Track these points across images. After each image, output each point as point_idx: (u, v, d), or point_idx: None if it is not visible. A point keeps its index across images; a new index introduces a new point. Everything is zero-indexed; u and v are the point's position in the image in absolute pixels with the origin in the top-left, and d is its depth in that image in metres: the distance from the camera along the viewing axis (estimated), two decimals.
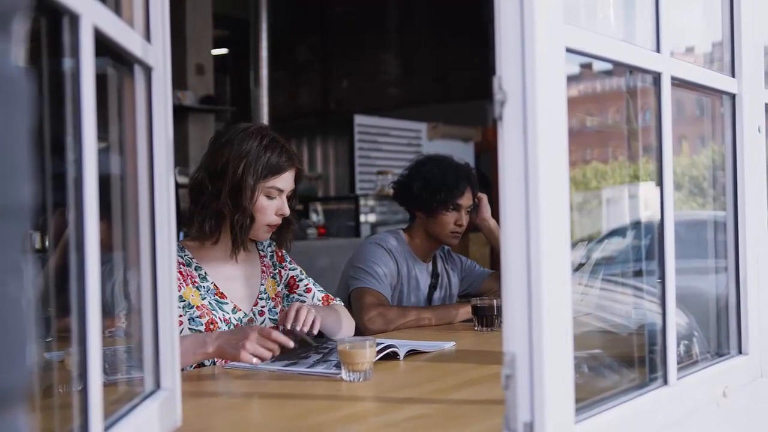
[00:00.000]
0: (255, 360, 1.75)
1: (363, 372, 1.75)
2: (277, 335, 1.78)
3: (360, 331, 2.58)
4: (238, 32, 7.97)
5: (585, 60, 1.30)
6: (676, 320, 1.46)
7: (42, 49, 0.92)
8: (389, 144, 7.76)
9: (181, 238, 2.23)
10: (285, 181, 2.13)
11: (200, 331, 2.04)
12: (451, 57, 9.07)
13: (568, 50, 1.16)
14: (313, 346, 1.83)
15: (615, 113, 1.89)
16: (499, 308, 2.49)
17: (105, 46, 1.05)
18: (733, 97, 1.73)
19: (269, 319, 2.21)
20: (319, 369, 1.84)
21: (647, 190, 1.65)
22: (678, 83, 1.50)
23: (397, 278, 2.78)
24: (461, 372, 1.93)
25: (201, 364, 1.97)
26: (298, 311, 2.04)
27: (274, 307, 2.25)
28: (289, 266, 2.34)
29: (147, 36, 1.26)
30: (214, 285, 2.13)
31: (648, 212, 1.71)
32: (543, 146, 1.08)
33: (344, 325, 2.24)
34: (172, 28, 1.33)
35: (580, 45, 1.21)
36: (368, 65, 9.67)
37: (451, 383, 1.81)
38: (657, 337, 1.46)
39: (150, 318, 1.28)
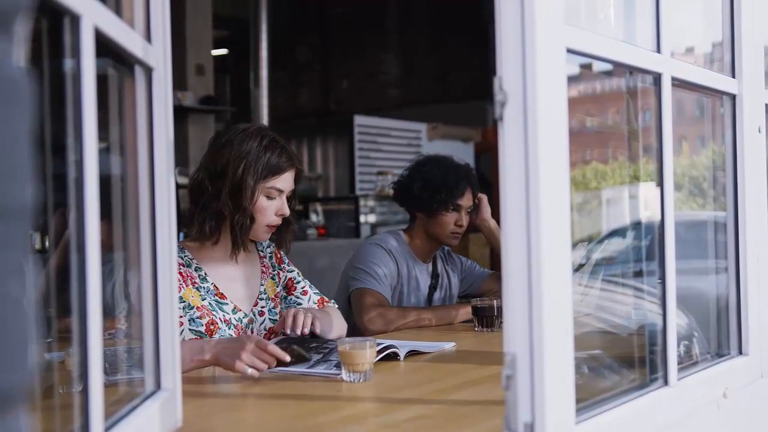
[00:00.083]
0: (250, 371, 1.74)
1: (363, 372, 1.75)
2: (274, 348, 1.76)
3: (360, 331, 2.58)
4: (238, 32, 7.97)
5: (585, 60, 1.30)
6: (677, 321, 1.46)
7: (43, 49, 0.92)
8: (389, 144, 7.76)
9: (180, 238, 2.22)
10: (285, 181, 2.13)
11: (200, 332, 2.04)
12: (451, 57, 9.07)
13: (569, 51, 1.16)
14: (309, 360, 1.83)
15: (615, 114, 1.89)
16: (499, 309, 2.49)
17: (106, 47, 1.05)
18: (733, 97, 1.73)
19: (269, 319, 2.21)
20: (320, 369, 1.84)
21: (647, 190, 1.65)
22: (678, 84, 1.50)
23: (397, 279, 2.78)
24: (461, 372, 1.93)
25: None
26: (295, 316, 2.04)
27: (274, 308, 2.25)
28: (287, 268, 2.34)
29: (147, 36, 1.26)
30: (214, 285, 2.13)
31: (648, 213, 1.71)
32: (543, 147, 1.08)
33: (335, 327, 2.23)
34: (172, 28, 1.33)
35: (580, 45, 1.21)
36: (368, 65, 9.67)
37: (451, 384, 1.81)
38: (657, 337, 1.46)
39: (150, 318, 1.28)
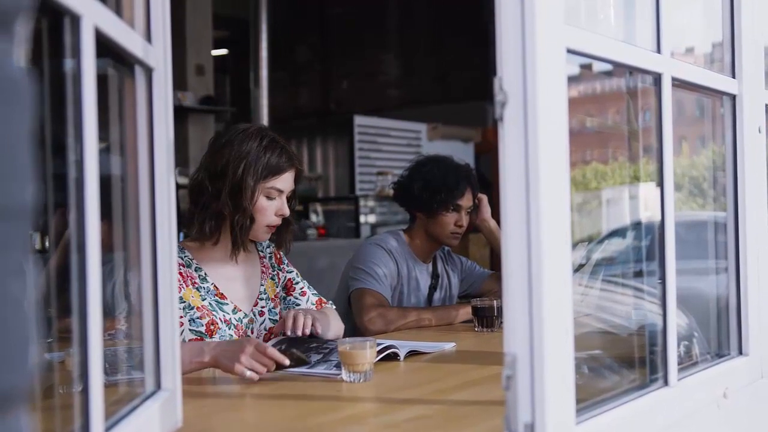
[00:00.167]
0: (249, 373, 1.73)
1: (363, 373, 1.74)
2: (273, 352, 1.76)
3: (360, 331, 2.58)
4: (238, 33, 7.97)
5: (585, 60, 1.30)
6: (677, 321, 1.46)
7: (43, 49, 0.92)
8: (389, 144, 7.75)
9: (180, 238, 2.22)
10: (285, 181, 2.13)
11: (201, 332, 2.04)
12: (451, 57, 9.07)
13: (569, 51, 1.16)
14: (309, 363, 1.82)
15: (615, 114, 1.89)
16: (500, 309, 2.49)
17: (106, 47, 1.05)
18: (733, 97, 1.73)
19: (269, 319, 2.21)
20: (320, 369, 1.84)
21: (647, 190, 1.65)
22: (678, 84, 1.50)
23: (397, 279, 2.78)
24: (462, 373, 1.93)
25: None
26: (295, 318, 2.04)
27: (274, 308, 2.25)
28: (286, 268, 2.34)
29: (148, 37, 1.26)
30: (214, 286, 2.13)
31: (648, 213, 1.71)
32: (544, 147, 1.08)
33: (333, 328, 2.23)
34: (172, 28, 1.33)
35: (580, 46, 1.21)
36: (368, 65, 9.67)
37: (451, 384, 1.81)
38: (657, 337, 1.46)
39: (151, 319, 1.28)
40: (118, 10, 1.15)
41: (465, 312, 2.66)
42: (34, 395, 0.61)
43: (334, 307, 2.39)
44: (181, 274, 2.06)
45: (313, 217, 7.04)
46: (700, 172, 1.95)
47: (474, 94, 8.18)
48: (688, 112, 1.92)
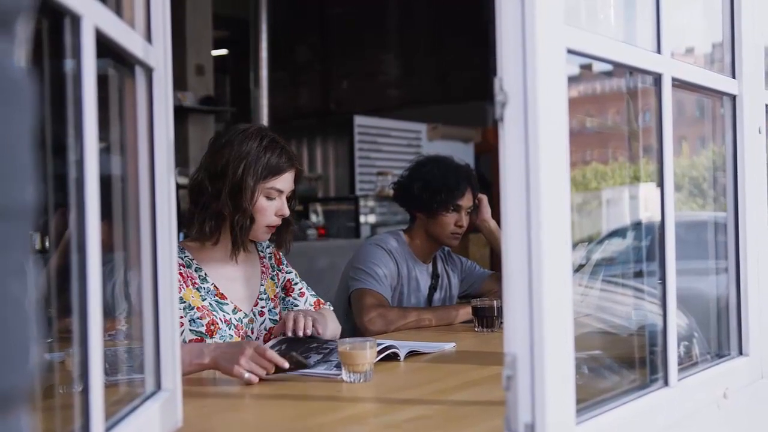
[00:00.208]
0: (247, 376, 1.73)
1: (363, 373, 1.75)
2: (273, 355, 1.76)
3: (360, 332, 2.58)
4: (238, 33, 7.97)
5: (584, 61, 1.30)
6: (677, 321, 1.46)
7: (43, 50, 0.92)
8: (389, 145, 7.75)
9: (180, 238, 2.22)
10: (285, 181, 2.13)
11: (201, 332, 2.05)
12: (451, 57, 9.07)
13: (569, 51, 1.16)
14: (309, 366, 1.82)
15: (615, 114, 1.89)
16: (500, 309, 2.49)
17: (106, 47, 1.05)
18: (733, 98, 1.73)
19: (269, 319, 2.21)
20: (320, 370, 1.84)
21: (647, 191, 1.65)
22: (679, 84, 1.50)
23: (397, 279, 2.78)
24: (462, 373, 1.93)
25: None
26: (296, 319, 2.04)
27: (274, 308, 2.25)
28: (285, 269, 2.34)
29: (148, 37, 1.26)
30: (215, 286, 2.13)
31: (648, 213, 1.71)
32: (544, 147, 1.08)
33: (330, 329, 2.23)
34: (172, 28, 1.33)
35: (581, 46, 1.21)
36: (368, 66, 9.67)
37: (451, 384, 1.81)
38: (657, 338, 1.46)
39: (151, 319, 1.28)
40: (118, 11, 1.15)
41: (465, 312, 2.66)
42: (35, 395, 0.61)
43: (332, 308, 2.39)
44: (181, 274, 2.06)
45: (313, 218, 7.04)
46: (699, 172, 1.95)
47: (474, 94, 8.18)
48: (688, 113, 1.92)
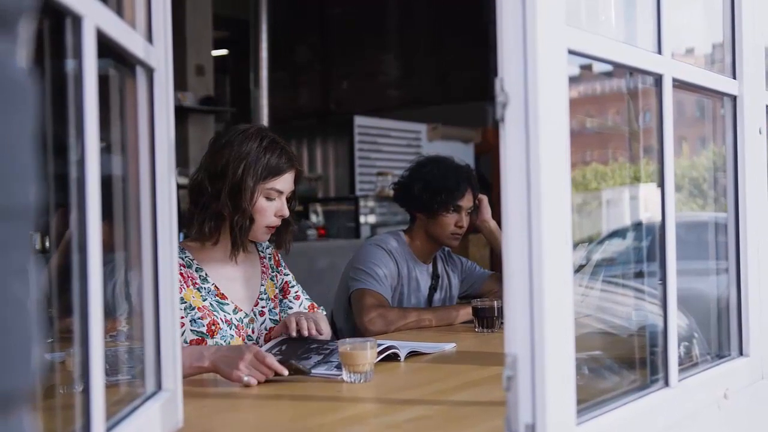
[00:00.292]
0: (246, 379, 1.73)
1: (364, 373, 1.75)
2: (272, 361, 1.75)
3: (360, 332, 2.58)
4: (238, 33, 7.97)
5: (584, 61, 1.30)
6: (677, 322, 1.46)
7: (45, 50, 0.92)
8: (389, 145, 7.75)
9: (180, 239, 2.22)
10: (285, 182, 2.13)
11: (202, 332, 2.05)
12: (451, 57, 9.07)
13: (570, 52, 1.16)
14: (307, 373, 1.81)
15: (615, 114, 1.89)
16: (500, 309, 2.49)
17: (107, 48, 1.05)
18: (734, 98, 1.73)
19: (269, 319, 2.21)
20: (320, 370, 1.84)
21: (647, 191, 1.66)
22: (679, 85, 1.50)
23: (398, 279, 2.78)
24: (462, 373, 1.93)
25: None
26: (298, 321, 2.04)
27: (274, 308, 2.25)
28: (283, 271, 2.34)
29: (149, 37, 1.26)
30: (215, 286, 2.13)
31: (648, 214, 1.71)
32: (545, 148, 1.08)
33: (324, 332, 2.23)
34: (172, 29, 1.33)
35: (581, 47, 1.21)
36: (368, 66, 9.67)
37: (452, 384, 1.81)
38: (658, 338, 1.46)
39: (151, 319, 1.28)
40: (119, 11, 1.15)
41: (465, 312, 2.66)
42: (37, 396, 0.61)
43: (324, 312, 2.39)
44: (181, 274, 2.06)
45: (313, 218, 7.03)
46: (700, 173, 1.95)
47: (474, 95, 8.18)
48: (688, 113, 1.92)
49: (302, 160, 7.74)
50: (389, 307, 2.67)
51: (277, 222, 2.15)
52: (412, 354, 2.07)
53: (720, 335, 1.77)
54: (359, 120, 7.64)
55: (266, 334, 2.18)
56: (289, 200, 2.17)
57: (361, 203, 7.14)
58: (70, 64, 0.94)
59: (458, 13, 8.61)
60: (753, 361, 1.72)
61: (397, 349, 2.01)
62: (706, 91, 1.69)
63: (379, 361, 1.91)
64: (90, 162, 0.94)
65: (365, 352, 1.74)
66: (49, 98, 0.91)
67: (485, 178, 6.75)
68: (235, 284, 2.18)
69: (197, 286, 2.10)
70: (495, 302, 2.51)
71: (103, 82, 1.03)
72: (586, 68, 1.39)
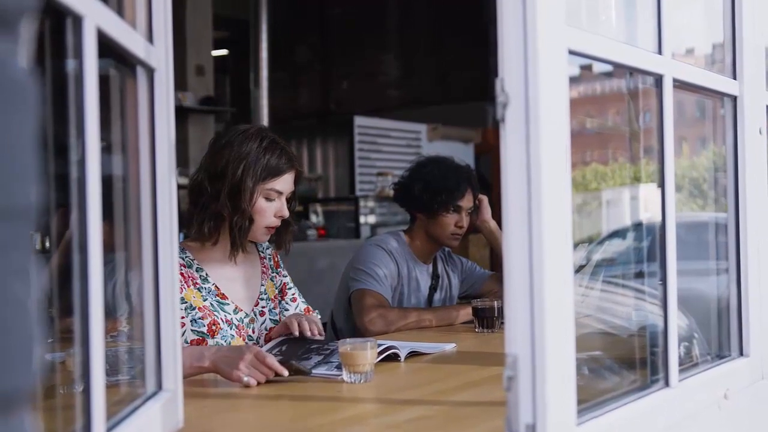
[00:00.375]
0: (246, 379, 1.73)
1: (364, 373, 1.75)
2: (273, 361, 1.75)
3: (361, 332, 2.58)
4: (238, 33, 7.97)
5: (584, 61, 1.30)
6: (677, 322, 1.46)
7: (45, 50, 0.92)
8: (389, 145, 7.75)
9: (180, 239, 2.22)
10: (284, 183, 2.13)
11: (202, 332, 2.05)
12: (451, 57, 9.07)
13: (571, 52, 1.16)
14: (308, 373, 1.81)
15: (615, 115, 1.89)
16: (500, 310, 2.49)
17: (108, 48, 1.05)
18: (734, 99, 1.73)
19: (270, 319, 2.21)
20: (321, 370, 1.84)
21: (647, 191, 1.66)
22: (679, 85, 1.50)
23: (398, 280, 2.78)
24: (462, 373, 1.93)
25: None
26: (299, 323, 2.04)
27: (274, 308, 2.25)
28: (282, 272, 2.34)
29: (149, 37, 1.26)
30: (216, 286, 2.13)
31: (648, 214, 1.71)
32: (545, 148, 1.08)
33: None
34: (173, 29, 1.33)
35: (582, 47, 1.21)
36: (368, 66, 9.67)
37: (452, 385, 1.81)
38: (658, 338, 1.46)
39: (152, 319, 1.28)
40: (119, 11, 1.15)
41: (465, 313, 2.66)
42: (37, 396, 0.61)
43: (319, 316, 2.40)
44: (182, 274, 2.06)
45: (313, 218, 7.03)
46: (700, 173, 1.95)
47: (474, 95, 8.18)
48: (688, 113, 1.92)
49: (302, 161, 7.74)
50: (389, 307, 2.67)
51: (276, 222, 2.15)
52: (413, 354, 2.07)
53: (720, 335, 1.77)
54: (359, 120, 7.64)
55: (266, 334, 2.18)
56: (289, 201, 2.17)
57: (361, 203, 7.14)
58: (70, 64, 0.94)
59: (458, 13, 8.61)
60: (753, 361, 1.72)
61: (398, 349, 2.01)
62: (706, 91, 1.69)
63: (380, 361, 1.91)
64: (91, 162, 0.94)
65: (365, 353, 1.74)
66: (50, 98, 0.91)
67: (485, 178, 6.75)
68: (236, 284, 2.18)
69: (198, 286, 2.10)
70: (495, 302, 2.51)
71: (104, 82, 1.03)
72: (586, 68, 1.39)
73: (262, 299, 2.22)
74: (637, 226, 1.84)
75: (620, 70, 1.52)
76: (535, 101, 1.08)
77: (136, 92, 1.25)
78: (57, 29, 0.91)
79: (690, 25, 1.90)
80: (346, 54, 9.85)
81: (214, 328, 2.06)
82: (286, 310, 2.29)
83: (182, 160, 6.62)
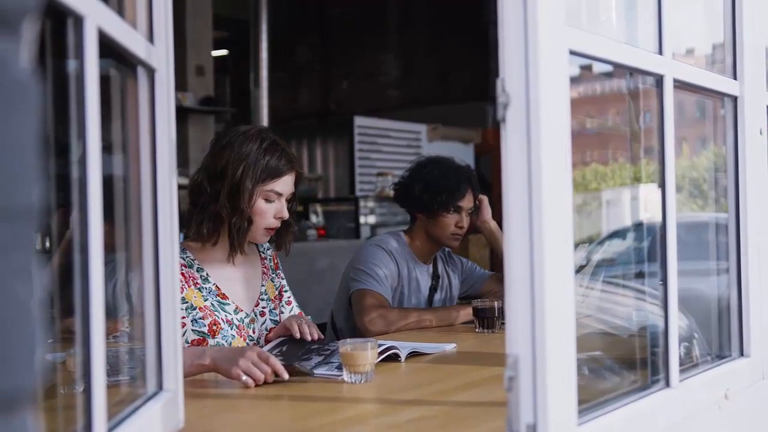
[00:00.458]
0: (245, 378, 1.73)
1: (365, 374, 1.75)
2: (275, 362, 1.75)
3: (361, 332, 2.58)
4: (238, 33, 7.97)
5: (584, 61, 1.30)
6: (677, 322, 1.46)
7: (46, 50, 0.92)
8: (389, 145, 7.75)
9: (180, 239, 2.22)
10: (284, 184, 2.13)
11: (203, 332, 2.05)
12: (451, 58, 9.07)
13: (571, 52, 1.16)
14: (310, 373, 1.81)
15: (615, 115, 1.89)
16: (500, 310, 2.49)
17: (109, 48, 1.05)
18: (734, 99, 1.73)
19: (270, 320, 2.21)
20: (321, 371, 1.84)
21: (647, 191, 1.66)
22: (680, 85, 1.50)
23: (398, 280, 2.78)
24: (463, 374, 1.93)
25: None
26: (299, 326, 2.04)
27: (274, 309, 2.25)
28: (281, 275, 2.34)
29: (150, 37, 1.27)
30: (216, 286, 2.13)
31: (648, 214, 1.71)
32: (546, 148, 1.08)
33: None
34: (173, 29, 1.33)
35: (582, 47, 1.21)
36: (368, 66, 9.67)
37: (452, 385, 1.81)
38: (659, 339, 1.46)
39: (152, 319, 1.28)
40: (120, 11, 1.15)
41: (466, 313, 2.66)
42: (39, 396, 0.61)
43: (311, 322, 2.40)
44: (183, 274, 2.06)
45: (313, 218, 7.03)
46: (700, 173, 1.95)
47: (474, 95, 8.18)
48: (688, 113, 1.92)
49: (302, 161, 7.76)
50: (390, 307, 2.67)
51: (276, 224, 2.14)
52: (413, 354, 2.07)
53: (721, 336, 1.77)
54: (359, 120, 7.64)
55: (267, 334, 2.18)
56: (289, 202, 2.17)
57: (361, 204, 7.14)
58: (71, 64, 0.94)
59: (458, 13, 8.61)
60: (754, 361, 1.72)
61: (398, 349, 2.01)
62: (706, 91, 1.69)
63: (380, 361, 1.91)
64: (91, 162, 0.94)
65: (366, 353, 1.74)
66: (51, 98, 0.91)
67: (485, 178, 6.75)
68: (236, 284, 2.18)
69: (198, 286, 2.10)
70: (495, 303, 2.51)
71: (105, 82, 1.03)
72: (586, 68, 1.39)
73: (262, 299, 2.22)
74: (638, 226, 1.84)
75: (620, 70, 1.52)
76: (535, 101, 1.08)
77: (137, 92, 1.25)
78: (58, 29, 0.91)
79: (690, 25, 1.90)
80: (346, 54, 9.85)
81: (214, 328, 2.06)
82: (282, 312, 2.29)
83: (182, 161, 6.62)
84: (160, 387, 1.29)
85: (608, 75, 1.64)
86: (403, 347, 2.06)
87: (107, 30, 1.01)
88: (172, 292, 1.30)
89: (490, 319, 2.51)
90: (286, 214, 2.15)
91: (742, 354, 1.72)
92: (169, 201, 1.30)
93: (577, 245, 1.26)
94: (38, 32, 0.67)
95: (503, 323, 2.39)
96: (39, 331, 0.59)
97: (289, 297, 2.34)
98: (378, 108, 8.70)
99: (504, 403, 1.11)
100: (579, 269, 1.72)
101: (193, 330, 2.04)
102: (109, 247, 1.12)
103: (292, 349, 2.00)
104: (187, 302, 2.05)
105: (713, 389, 1.59)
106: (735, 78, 1.73)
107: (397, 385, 1.81)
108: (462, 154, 6.86)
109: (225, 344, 2.06)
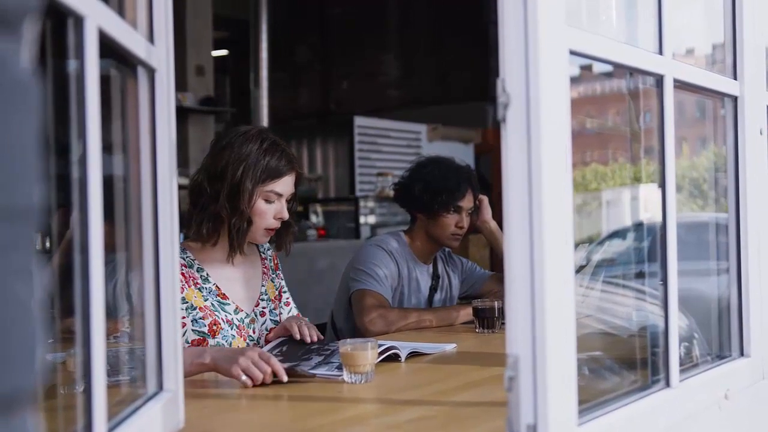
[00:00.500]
0: (244, 377, 1.73)
1: (365, 374, 1.75)
2: (275, 362, 1.76)
3: (361, 332, 2.58)
4: (238, 33, 7.97)
5: (585, 61, 1.30)
6: (678, 322, 1.46)
7: (47, 50, 0.92)
8: (389, 145, 7.75)
9: (180, 239, 2.22)
10: (284, 185, 2.13)
11: (203, 332, 2.05)
12: (451, 58, 9.07)
13: (572, 52, 1.16)
14: (309, 376, 1.81)
15: (615, 115, 1.89)
16: (500, 310, 2.49)
17: (109, 48, 1.05)
18: (735, 99, 1.73)
19: (270, 320, 2.21)
20: (321, 371, 1.84)
21: (647, 191, 1.66)
22: (680, 85, 1.50)
23: (398, 280, 2.78)
24: (463, 374, 1.93)
25: None
26: (299, 327, 2.03)
27: (274, 309, 2.25)
28: (280, 275, 2.34)
29: (150, 37, 1.27)
30: (216, 286, 2.13)
31: (648, 214, 1.71)
32: (546, 148, 1.08)
33: None
34: (173, 29, 1.33)
35: (583, 47, 1.21)
36: (368, 66, 9.67)
37: (453, 385, 1.81)
38: (659, 339, 1.46)
39: (153, 320, 1.28)
40: (120, 11, 1.15)
41: (466, 313, 2.66)
42: (39, 397, 0.62)
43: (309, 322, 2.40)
44: (183, 274, 2.06)
45: (313, 218, 7.03)
46: (700, 173, 1.95)
47: (474, 95, 8.18)
48: (688, 114, 1.92)
49: (302, 161, 7.76)
50: (390, 307, 2.67)
51: (276, 224, 2.14)
52: (413, 354, 2.07)
53: (721, 336, 1.77)
54: (359, 120, 7.64)
55: (267, 334, 2.18)
56: (289, 202, 2.17)
57: (361, 204, 7.14)
58: (72, 64, 0.94)
59: (458, 13, 8.61)
60: (754, 361, 1.72)
61: (398, 349, 2.01)
62: (706, 91, 1.69)
63: (380, 361, 1.91)
64: (92, 162, 0.94)
65: (366, 353, 1.74)
66: (52, 98, 0.91)
67: (485, 178, 6.75)
68: (236, 284, 2.18)
69: (198, 286, 2.10)
70: (495, 303, 2.51)
71: (105, 82, 1.03)
72: (586, 68, 1.39)
73: (262, 300, 2.23)
74: (638, 226, 1.84)
75: (620, 70, 1.53)
76: (536, 101, 1.08)
77: (137, 92, 1.25)
78: (58, 29, 0.91)
79: (690, 25, 1.90)
80: (346, 54, 9.85)
81: (215, 328, 2.06)
82: (281, 313, 2.29)
83: (182, 161, 6.62)
84: (160, 387, 1.29)
85: (608, 75, 1.64)
86: (403, 347, 2.06)
87: (107, 30, 1.01)
88: (172, 292, 1.30)
89: (490, 319, 2.51)
90: (286, 215, 2.15)
91: (742, 354, 1.72)
92: (169, 201, 1.30)
93: (577, 245, 1.26)
94: (39, 32, 0.67)
95: (503, 323, 2.39)
96: (39, 331, 0.59)
97: (287, 298, 2.34)
98: (378, 108, 8.70)
99: (504, 403, 1.11)
100: (579, 269, 1.72)
101: (193, 330, 2.04)
102: (110, 247, 1.11)
103: (292, 349, 2.00)
104: (187, 302, 2.05)
105: (713, 389, 1.59)
106: (735, 78, 1.73)
107: (397, 385, 1.81)
108: (462, 154, 6.86)
109: (225, 344, 2.06)
